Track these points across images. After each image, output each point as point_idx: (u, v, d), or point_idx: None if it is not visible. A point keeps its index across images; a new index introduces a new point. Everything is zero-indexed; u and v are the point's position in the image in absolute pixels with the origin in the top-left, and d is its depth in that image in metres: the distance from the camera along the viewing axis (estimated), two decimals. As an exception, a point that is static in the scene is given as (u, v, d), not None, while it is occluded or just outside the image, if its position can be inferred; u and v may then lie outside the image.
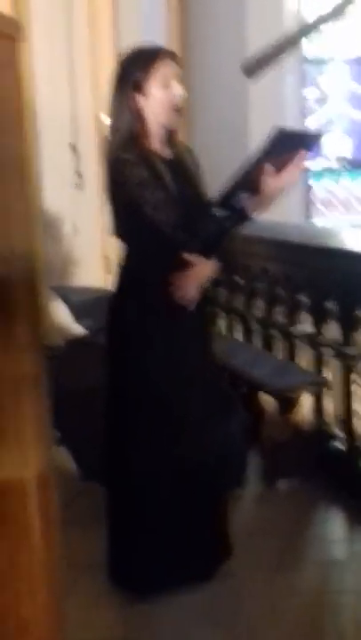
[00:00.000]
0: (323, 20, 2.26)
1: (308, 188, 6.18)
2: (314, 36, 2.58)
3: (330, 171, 6.27)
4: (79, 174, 4.53)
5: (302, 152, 2.53)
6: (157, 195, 2.58)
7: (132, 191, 2.61)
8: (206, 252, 2.71)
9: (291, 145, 2.52)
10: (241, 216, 2.58)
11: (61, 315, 4.08)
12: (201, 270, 2.72)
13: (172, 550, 2.79)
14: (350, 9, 2.35)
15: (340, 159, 6.24)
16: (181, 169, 2.76)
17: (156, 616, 2.71)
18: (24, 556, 1.63)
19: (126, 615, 2.73)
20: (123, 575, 2.86)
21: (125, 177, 2.61)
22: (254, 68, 2.22)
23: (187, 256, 2.68)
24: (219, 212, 2.60)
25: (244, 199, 2.53)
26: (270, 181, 2.50)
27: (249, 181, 2.50)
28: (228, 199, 2.55)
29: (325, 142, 6.17)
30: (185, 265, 2.70)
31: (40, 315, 1.82)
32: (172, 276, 2.69)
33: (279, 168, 2.50)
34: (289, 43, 2.37)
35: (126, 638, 2.61)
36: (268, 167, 2.47)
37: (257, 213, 2.61)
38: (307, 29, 2.32)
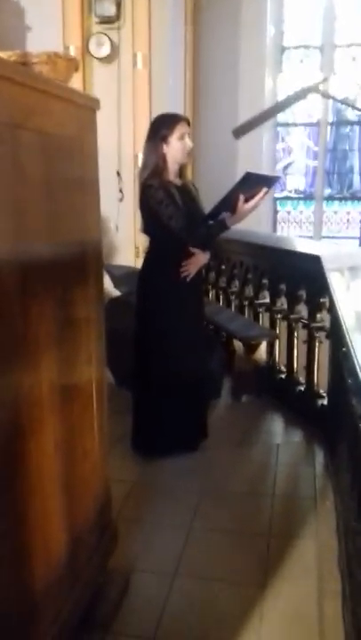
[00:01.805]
0: (291, 100, 2.38)
1: (275, 209, 6.11)
2: (285, 110, 2.68)
3: (290, 199, 6.15)
4: (121, 191, 4.55)
5: (264, 189, 2.62)
6: (170, 209, 2.67)
7: (153, 206, 2.70)
8: (203, 247, 2.80)
9: (257, 183, 2.61)
10: (223, 226, 2.68)
11: (106, 283, 4.14)
12: (199, 258, 2.83)
13: (172, 429, 2.90)
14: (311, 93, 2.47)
15: (297, 192, 6.13)
16: (187, 193, 2.83)
17: (159, 469, 2.84)
18: (89, 420, 1.78)
19: (141, 467, 2.86)
20: (140, 444, 2.97)
21: (150, 196, 2.70)
22: (240, 132, 2.38)
23: (191, 249, 2.77)
24: (210, 223, 2.70)
25: (226, 215, 2.65)
26: (241, 206, 2.60)
27: (228, 204, 2.61)
28: (215, 215, 2.66)
29: (288, 180, 6.08)
30: (188, 254, 2.78)
31: (101, 279, 1.92)
32: (181, 261, 2.78)
33: (249, 198, 2.60)
34: (266, 115, 2.51)
35: (138, 480, 2.74)
36: (241, 196, 2.57)
37: (234, 225, 2.69)
38: (279, 107, 2.47)
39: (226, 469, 2.88)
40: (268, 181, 2.68)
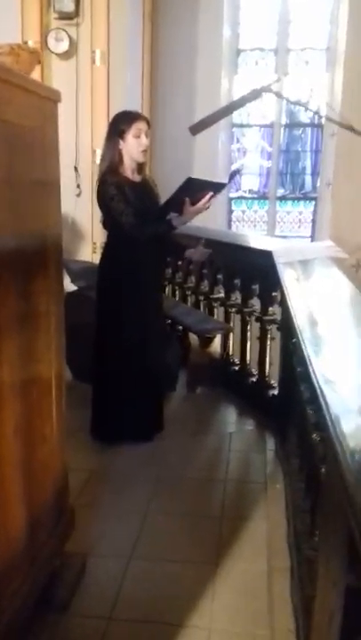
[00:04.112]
0: (246, 99, 2.44)
1: (230, 209, 6.16)
2: (240, 109, 2.72)
3: (244, 199, 6.22)
4: (78, 187, 4.53)
5: (210, 194, 2.68)
6: (120, 205, 2.71)
7: (106, 201, 2.75)
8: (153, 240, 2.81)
9: (203, 187, 2.68)
10: (170, 226, 2.73)
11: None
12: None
13: (130, 419, 2.95)
14: (264, 93, 2.53)
15: (251, 192, 6.20)
16: (145, 189, 2.86)
17: (116, 458, 2.87)
18: (47, 406, 1.80)
19: (98, 456, 2.88)
20: (98, 433, 3.00)
21: (103, 192, 2.75)
22: (197, 128, 2.43)
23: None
24: (157, 221, 2.73)
25: (173, 216, 2.72)
26: (187, 208, 2.67)
27: (175, 206, 2.68)
28: (163, 214, 2.73)
29: (243, 180, 6.13)
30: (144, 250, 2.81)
31: (61, 271, 1.95)
32: (137, 255, 2.78)
33: (195, 201, 2.67)
34: (222, 113, 2.57)
35: (96, 469, 2.76)
36: (187, 199, 2.65)
37: (181, 225, 2.74)
38: (234, 105, 2.54)
39: (181, 457, 2.94)
40: (214, 187, 2.72)
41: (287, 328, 3.00)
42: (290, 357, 2.84)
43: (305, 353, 1.73)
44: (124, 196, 2.72)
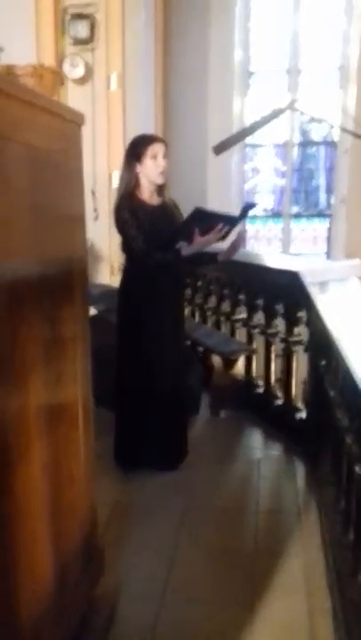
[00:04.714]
0: (267, 119, 2.35)
1: (245, 227, 5.88)
2: (262, 128, 2.65)
3: (259, 217, 6.14)
4: (96, 210, 4.50)
5: (220, 226, 2.59)
6: (133, 231, 2.65)
7: (120, 226, 2.70)
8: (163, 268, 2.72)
9: (213, 219, 2.59)
10: (177, 255, 2.64)
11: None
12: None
13: (154, 447, 2.85)
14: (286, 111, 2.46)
15: (266, 210, 6.16)
16: (166, 212, 2.79)
17: (141, 488, 2.74)
18: (75, 443, 1.69)
19: (122, 486, 2.75)
20: (121, 459, 2.90)
21: (118, 217, 2.70)
22: (220, 148, 2.34)
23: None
24: (167, 250, 2.63)
25: (183, 245, 2.63)
26: (196, 237, 2.58)
27: (185, 235, 2.60)
28: (172, 243, 2.65)
29: (257, 198, 6.07)
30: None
31: (87, 296, 1.80)
32: (156, 278, 2.71)
33: (205, 231, 2.58)
34: (244, 133, 2.48)
35: (120, 500, 2.63)
36: (196, 229, 2.56)
37: (188, 254, 2.63)
38: (256, 125, 2.44)
39: (208, 486, 2.80)
40: (225, 220, 2.63)
41: (316, 349, 2.88)
42: (320, 380, 2.71)
43: (353, 376, 1.59)
44: (136, 222, 2.67)
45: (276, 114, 2.41)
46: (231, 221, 2.65)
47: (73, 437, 1.69)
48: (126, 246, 2.76)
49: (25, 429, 1.36)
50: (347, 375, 1.71)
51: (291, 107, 2.50)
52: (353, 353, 1.66)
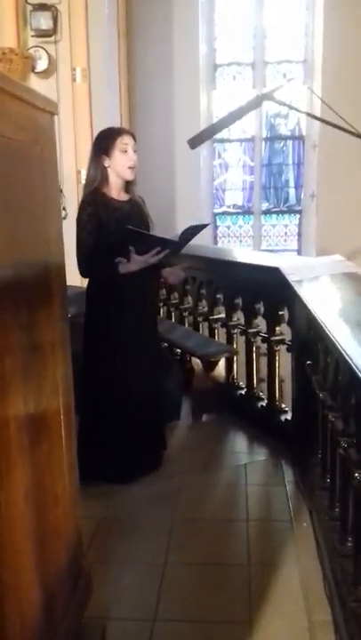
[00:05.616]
0: (244, 109, 2.28)
1: (215, 225, 6.04)
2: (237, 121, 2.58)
3: (228, 214, 6.11)
4: (64, 209, 4.41)
5: (157, 249, 2.56)
6: (83, 235, 2.60)
7: (76, 225, 2.65)
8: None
9: (148, 241, 2.58)
10: (115, 271, 2.58)
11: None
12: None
13: (128, 457, 2.76)
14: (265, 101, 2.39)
15: (236, 207, 6.09)
16: (134, 209, 2.73)
17: (125, 500, 2.64)
18: (58, 460, 1.57)
19: (105, 500, 2.63)
20: (92, 473, 2.66)
21: (78, 214, 2.66)
22: (196, 142, 2.26)
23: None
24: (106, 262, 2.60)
25: (122, 261, 2.58)
26: (132, 257, 2.55)
27: (123, 253, 2.56)
28: (111, 257, 2.59)
29: (226, 195, 6.03)
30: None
31: (65, 298, 1.71)
32: (126, 278, 2.62)
33: (143, 252, 2.56)
34: (219, 126, 2.41)
35: (104, 516, 2.51)
36: (131, 248, 2.53)
37: (125, 271, 2.58)
38: (231, 117, 2.36)
39: (194, 496, 2.70)
40: (162, 242, 2.61)
41: (300, 349, 2.81)
42: (305, 380, 2.64)
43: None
44: (93, 224, 2.59)
45: (257, 101, 2.32)
46: (170, 245, 2.62)
47: (56, 454, 1.56)
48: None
49: (6, 450, 1.23)
50: (346, 375, 1.64)
51: (270, 96, 2.40)
52: (352, 351, 1.58)
